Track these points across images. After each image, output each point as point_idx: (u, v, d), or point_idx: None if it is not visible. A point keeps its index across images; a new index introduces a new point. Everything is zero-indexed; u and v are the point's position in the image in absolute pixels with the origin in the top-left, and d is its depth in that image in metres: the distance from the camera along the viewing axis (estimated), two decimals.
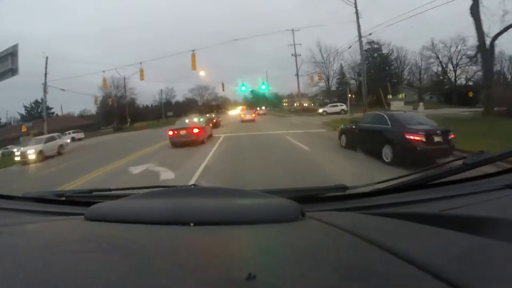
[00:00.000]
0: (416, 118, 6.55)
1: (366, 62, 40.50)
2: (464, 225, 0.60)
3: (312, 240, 0.61)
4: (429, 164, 5.21)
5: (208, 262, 0.50)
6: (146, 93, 72.56)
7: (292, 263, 0.49)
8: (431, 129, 5.81)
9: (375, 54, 43.78)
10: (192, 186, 1.12)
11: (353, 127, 7.84)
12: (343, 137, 8.29)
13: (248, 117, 26.16)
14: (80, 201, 1.17)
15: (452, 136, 5.73)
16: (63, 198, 1.21)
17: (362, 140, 7.06)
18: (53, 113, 49.56)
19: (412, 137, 5.50)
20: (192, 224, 0.70)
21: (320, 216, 0.73)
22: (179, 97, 70.46)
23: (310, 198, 1.04)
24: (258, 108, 55.28)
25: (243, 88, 30.43)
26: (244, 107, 48.11)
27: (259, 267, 0.45)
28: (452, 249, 0.50)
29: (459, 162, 0.96)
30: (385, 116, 6.59)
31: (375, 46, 43.65)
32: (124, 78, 38.28)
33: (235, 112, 51.91)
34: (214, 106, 70.62)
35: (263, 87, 31.94)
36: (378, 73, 37.71)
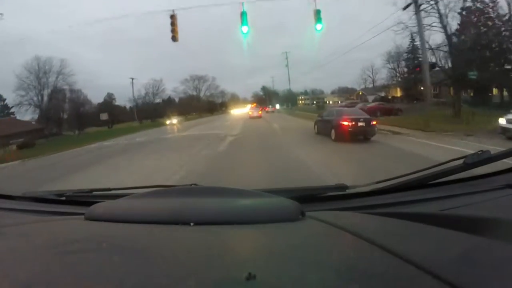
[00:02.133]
0: (353, 111, 10.49)
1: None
2: (464, 224, 0.60)
3: (312, 240, 0.61)
4: (356, 139, 6.68)
5: (208, 261, 0.51)
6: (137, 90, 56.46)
7: (292, 263, 0.49)
8: (358, 117, 9.26)
9: (482, 18, 19.63)
10: (192, 185, 1.12)
11: (320, 119, 11.57)
12: (316, 127, 11.89)
13: (255, 114, 28.98)
14: (80, 200, 1.17)
15: (374, 122, 9.32)
16: (63, 198, 1.21)
17: (323, 127, 10.76)
18: (13, 113, 36.46)
19: (344, 123, 9.12)
20: (192, 224, 0.70)
21: (320, 215, 0.73)
22: (169, 91, 54.94)
23: (310, 197, 1.04)
24: (271, 106, 50.05)
25: (245, 29, 12.30)
26: (254, 104, 45.08)
27: (259, 267, 0.45)
28: (452, 249, 0.50)
29: (459, 162, 0.96)
30: (334, 110, 10.86)
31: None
32: None
33: (242, 110, 46.24)
34: (217, 104, 59.52)
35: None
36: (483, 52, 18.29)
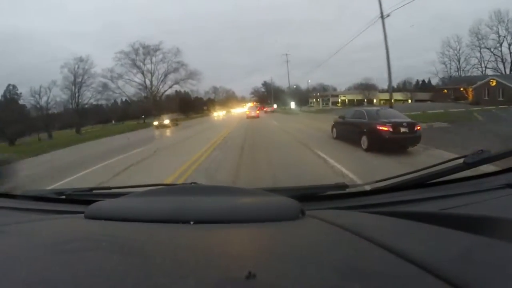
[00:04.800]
0: (389, 113, 8.03)
1: None
2: (464, 224, 0.60)
3: (312, 239, 0.61)
4: (396, 150, 5.28)
5: (208, 260, 0.50)
6: None
7: (292, 262, 0.49)
8: (399, 121, 7.04)
9: None
10: (192, 184, 1.12)
11: (341, 121, 9.19)
12: (334, 130, 9.61)
13: (253, 113, 28.09)
14: (80, 199, 1.18)
15: (418, 127, 6.99)
16: (63, 197, 1.21)
17: (349, 132, 8.40)
18: None
19: (381, 128, 6.85)
20: (192, 223, 0.70)
21: (320, 214, 0.73)
22: (101, 71, 31.86)
23: (310, 196, 1.03)
24: (275, 106, 45.61)
25: None
26: (253, 104, 42.60)
27: (259, 266, 0.45)
28: (452, 248, 0.50)
29: (459, 161, 0.96)
30: (363, 111, 8.26)
31: None
32: None
33: (234, 111, 42.53)
34: (203, 101, 39.44)
35: None
36: None
